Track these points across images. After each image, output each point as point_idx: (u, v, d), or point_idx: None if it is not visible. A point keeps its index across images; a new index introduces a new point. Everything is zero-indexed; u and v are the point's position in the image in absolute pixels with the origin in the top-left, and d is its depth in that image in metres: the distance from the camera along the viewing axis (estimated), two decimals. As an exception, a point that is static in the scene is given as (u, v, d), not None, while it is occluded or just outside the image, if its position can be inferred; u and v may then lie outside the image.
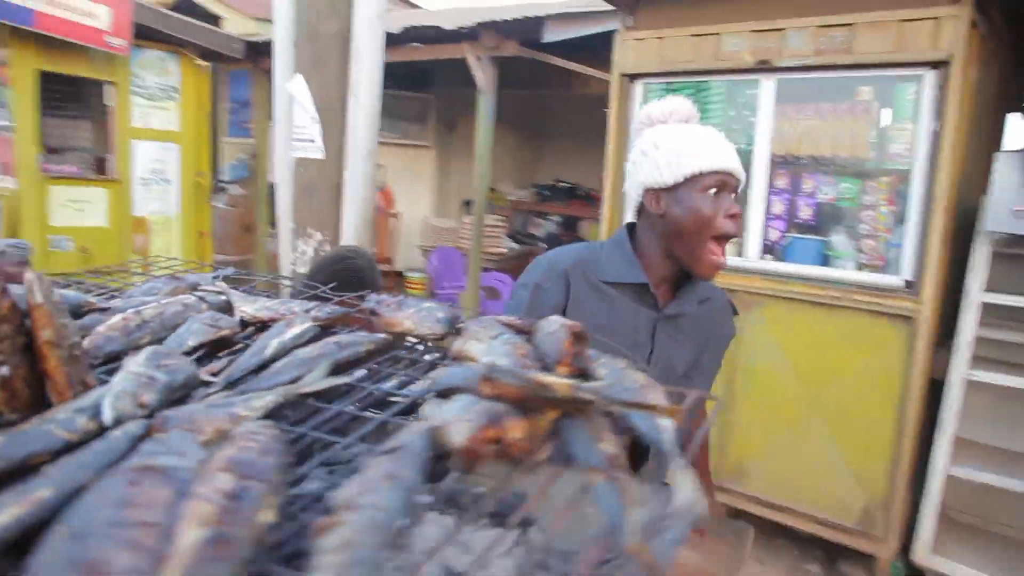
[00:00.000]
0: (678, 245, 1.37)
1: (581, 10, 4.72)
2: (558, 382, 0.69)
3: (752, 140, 3.47)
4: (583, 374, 0.83)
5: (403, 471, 0.62)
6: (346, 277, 2.23)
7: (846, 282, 3.19)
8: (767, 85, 3.40)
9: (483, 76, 5.39)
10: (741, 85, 3.55)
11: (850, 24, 3.09)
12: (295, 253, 3.08)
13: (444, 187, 9.04)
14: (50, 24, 5.07)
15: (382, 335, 0.99)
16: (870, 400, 3.08)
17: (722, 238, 1.37)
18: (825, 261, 3.31)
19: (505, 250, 6.49)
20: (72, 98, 6.26)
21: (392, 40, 6.09)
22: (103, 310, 1.11)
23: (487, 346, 0.87)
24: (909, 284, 3.04)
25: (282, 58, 3.07)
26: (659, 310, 1.42)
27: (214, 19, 8.09)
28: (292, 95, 2.99)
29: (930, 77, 2.97)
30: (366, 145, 2.99)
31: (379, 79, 3.01)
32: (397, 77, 8.37)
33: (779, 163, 3.42)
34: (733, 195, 1.39)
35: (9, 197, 5.23)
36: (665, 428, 0.70)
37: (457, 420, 0.67)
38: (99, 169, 5.97)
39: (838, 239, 3.27)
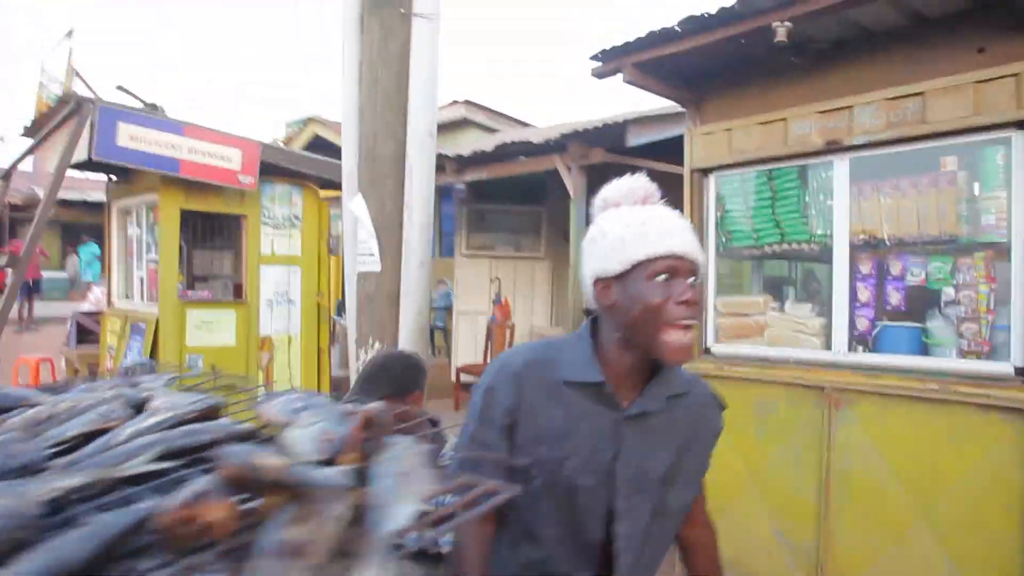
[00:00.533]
0: (634, 336, 1.25)
1: (659, 113, 4.76)
2: (269, 465, 0.65)
3: (830, 224, 3.26)
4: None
5: (67, 545, 0.60)
6: (379, 377, 2.28)
7: (947, 372, 2.81)
8: (840, 166, 3.21)
9: (573, 184, 5.49)
10: (815, 168, 3.37)
11: (920, 93, 2.89)
12: (358, 362, 3.18)
13: (561, 297, 9.12)
14: (193, 169, 5.78)
15: (239, 426, 0.99)
16: (988, 509, 2.62)
17: (678, 324, 1.26)
18: (922, 350, 2.96)
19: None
20: (217, 232, 7.03)
21: (490, 158, 6.42)
22: (32, 405, 1.19)
23: (299, 433, 0.84)
24: (1021, 371, 2.63)
25: (348, 180, 3.29)
26: (621, 410, 1.28)
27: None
28: (353, 213, 3.18)
29: (1018, 139, 2.68)
30: (418, 256, 3.09)
31: (431, 194, 3.14)
32: (508, 193, 8.77)
33: (861, 247, 3.16)
34: (691, 279, 1.24)
35: (152, 321, 5.86)
36: (395, 518, 0.63)
37: (169, 499, 0.65)
38: (238, 293, 6.57)
39: (934, 324, 2.93)
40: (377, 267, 3.15)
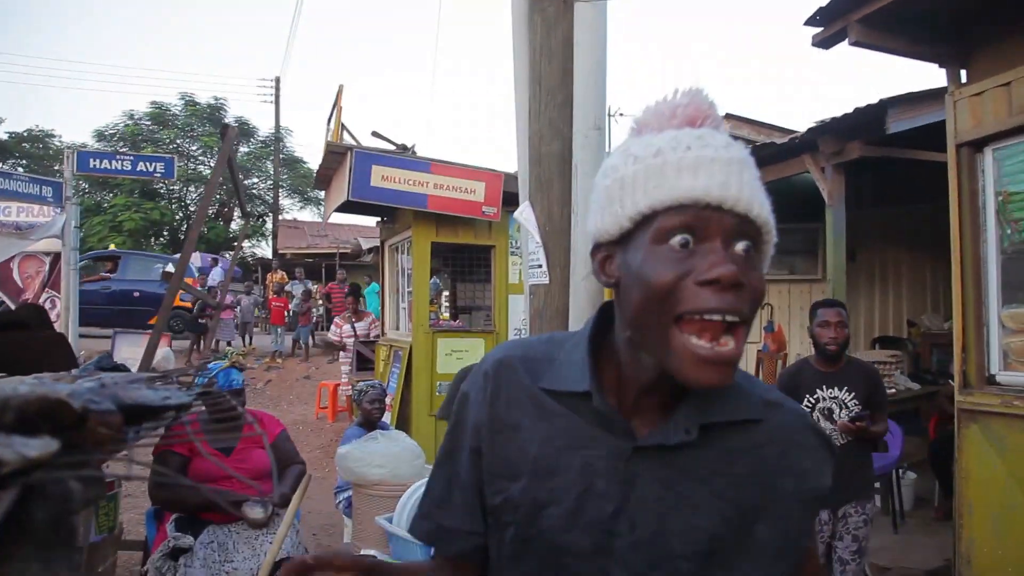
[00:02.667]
0: (639, 335, 0.80)
1: (928, 90, 3.85)
2: None
3: None
4: None
5: None
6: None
7: None
8: None
9: (828, 187, 4.70)
10: None
11: None
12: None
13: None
14: (439, 203, 6.11)
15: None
16: None
17: (706, 318, 0.73)
18: None
19: (894, 391, 5.21)
20: (479, 265, 7.33)
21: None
22: None
23: None
24: None
25: (522, 188, 3.10)
26: (634, 440, 0.83)
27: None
28: (520, 222, 2.97)
29: None
30: (587, 266, 2.71)
31: (599, 192, 2.80)
32: (779, 209, 7.91)
33: None
34: (739, 243, 0.76)
35: (407, 348, 6.24)
36: None
37: None
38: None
39: None
40: (545, 279, 2.87)
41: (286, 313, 11.76)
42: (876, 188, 6.37)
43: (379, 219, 7.40)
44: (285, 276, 13.49)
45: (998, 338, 2.87)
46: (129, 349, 7.76)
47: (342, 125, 6.40)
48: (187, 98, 23.34)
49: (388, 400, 5.98)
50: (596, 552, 0.81)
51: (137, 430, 0.84)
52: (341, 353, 8.30)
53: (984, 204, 2.92)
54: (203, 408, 1.05)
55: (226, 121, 19.52)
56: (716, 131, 0.81)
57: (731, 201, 0.74)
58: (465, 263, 7.24)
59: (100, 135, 22.51)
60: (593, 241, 0.86)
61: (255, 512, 2.85)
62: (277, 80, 24.63)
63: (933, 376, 5.89)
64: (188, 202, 24.23)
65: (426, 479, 0.96)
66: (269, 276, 14.77)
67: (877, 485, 4.96)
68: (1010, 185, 2.85)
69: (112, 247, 18.35)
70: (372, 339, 7.48)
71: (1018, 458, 2.78)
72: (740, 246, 0.75)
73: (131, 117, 22.75)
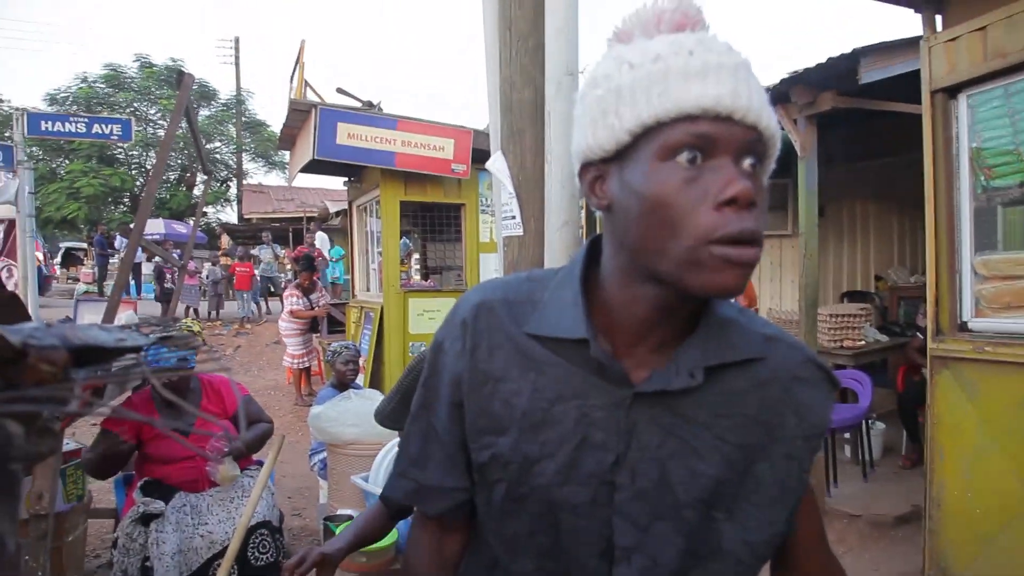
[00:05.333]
0: (643, 259, 0.72)
1: (902, 39, 3.80)
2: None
3: None
4: None
5: None
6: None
7: None
8: None
9: (801, 139, 4.67)
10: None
11: None
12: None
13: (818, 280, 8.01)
14: (408, 161, 5.98)
15: None
16: None
17: (720, 244, 0.66)
18: None
19: (863, 343, 5.28)
20: (450, 224, 7.22)
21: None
22: None
23: None
24: None
25: (493, 139, 3.02)
26: (631, 385, 0.77)
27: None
28: (492, 173, 2.89)
29: None
30: (561, 215, 2.68)
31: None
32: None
33: None
34: (746, 159, 0.68)
35: (378, 309, 6.16)
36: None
37: None
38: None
39: None
40: (519, 231, 2.81)
41: (252, 278, 11.56)
42: (844, 143, 6.37)
43: (346, 179, 7.24)
44: (226, 240, 13.21)
45: (970, 285, 2.89)
46: (92, 317, 7.57)
47: (305, 82, 6.21)
48: (142, 60, 22.55)
49: (361, 362, 5.91)
50: (595, 505, 0.77)
51: (91, 372, 0.76)
52: (287, 324, 7.15)
53: (958, 151, 2.91)
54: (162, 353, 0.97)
55: (182, 68, 18.62)
56: (711, 36, 0.73)
57: (742, 111, 0.67)
58: (435, 222, 7.13)
59: (52, 99, 21.66)
60: (581, 160, 0.78)
61: (222, 468, 2.76)
62: (236, 40, 23.96)
63: (900, 328, 5.96)
64: (148, 168, 23.57)
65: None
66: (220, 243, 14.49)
67: (847, 436, 5.09)
68: (984, 131, 2.84)
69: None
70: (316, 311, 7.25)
71: (988, 402, 2.82)
72: (747, 162, 0.69)
73: (84, 80, 21.91)
